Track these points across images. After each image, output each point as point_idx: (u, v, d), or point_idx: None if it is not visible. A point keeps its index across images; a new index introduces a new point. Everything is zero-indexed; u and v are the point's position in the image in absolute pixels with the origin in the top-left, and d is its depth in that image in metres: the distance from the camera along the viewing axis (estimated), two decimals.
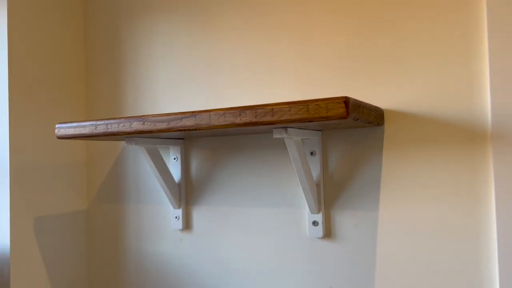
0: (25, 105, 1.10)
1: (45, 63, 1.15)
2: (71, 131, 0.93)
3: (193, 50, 1.09)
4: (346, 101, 0.65)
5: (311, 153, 0.92)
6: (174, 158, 1.10)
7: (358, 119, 0.69)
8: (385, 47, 0.87)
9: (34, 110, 1.12)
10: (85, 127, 0.91)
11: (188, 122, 0.79)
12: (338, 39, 0.91)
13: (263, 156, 0.99)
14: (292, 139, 0.80)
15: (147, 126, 0.84)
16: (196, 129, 0.78)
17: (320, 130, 0.92)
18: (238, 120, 0.74)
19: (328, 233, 0.91)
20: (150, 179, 1.15)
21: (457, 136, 0.81)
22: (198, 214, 1.07)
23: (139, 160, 1.17)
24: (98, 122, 0.89)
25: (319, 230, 0.91)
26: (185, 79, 1.10)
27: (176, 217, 1.09)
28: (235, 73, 1.03)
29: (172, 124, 0.81)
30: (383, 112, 0.86)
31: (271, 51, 0.99)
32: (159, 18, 1.14)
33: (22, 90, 1.10)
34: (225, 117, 0.75)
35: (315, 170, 0.92)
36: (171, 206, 1.11)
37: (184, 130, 0.79)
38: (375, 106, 0.80)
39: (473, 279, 0.79)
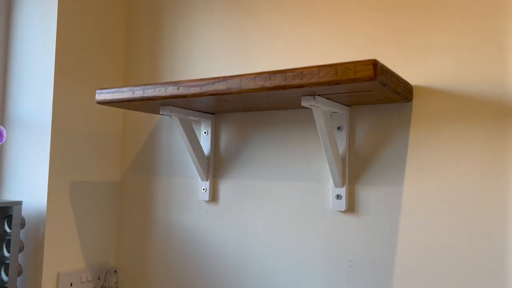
0: (69, 72, 1.17)
1: (90, 33, 1.22)
2: (110, 96, 0.98)
3: (228, 22, 1.12)
4: (374, 63, 0.66)
5: (338, 128, 0.94)
6: (205, 132, 1.13)
7: (385, 84, 0.70)
8: (416, 23, 0.88)
9: (77, 78, 1.19)
10: (123, 92, 0.96)
11: (220, 86, 0.82)
12: (371, 13, 0.93)
13: (290, 131, 1.01)
14: (320, 109, 0.82)
15: (181, 91, 0.87)
16: (227, 93, 0.81)
17: (348, 106, 0.93)
18: (268, 84, 0.76)
19: (351, 207, 0.92)
20: (181, 152, 1.19)
21: (487, 113, 0.80)
22: (225, 187, 1.10)
23: (172, 134, 1.21)
24: (136, 88, 0.94)
25: (342, 203, 0.92)
26: (220, 48, 1.14)
27: (203, 189, 1.12)
28: (269, 42, 1.06)
29: (205, 89, 0.84)
30: (412, 88, 0.86)
31: (305, 21, 1.01)
32: None
33: (67, 59, 1.16)
34: (255, 81, 0.78)
35: (341, 145, 0.93)
36: (199, 179, 1.14)
37: (216, 94, 0.83)
38: (404, 79, 0.81)
39: (498, 258, 0.78)
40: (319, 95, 0.80)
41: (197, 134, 1.15)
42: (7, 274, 1.06)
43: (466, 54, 0.83)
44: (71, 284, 1.15)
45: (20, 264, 1.10)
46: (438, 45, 0.85)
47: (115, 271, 1.17)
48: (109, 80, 1.28)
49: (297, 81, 0.73)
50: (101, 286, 1.23)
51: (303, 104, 0.81)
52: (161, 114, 1.15)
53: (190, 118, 1.08)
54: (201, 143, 1.14)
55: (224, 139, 1.12)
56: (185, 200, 1.16)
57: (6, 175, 1.21)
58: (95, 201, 1.23)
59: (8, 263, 1.06)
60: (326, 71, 0.70)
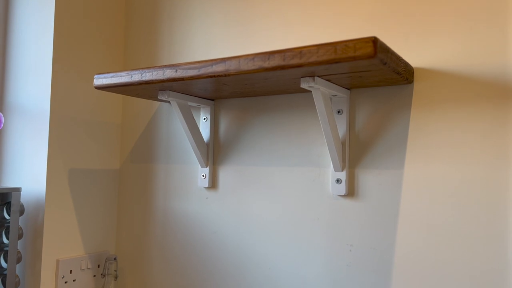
0: (67, 59, 1.16)
1: (88, 19, 1.21)
2: (108, 81, 0.97)
3: (227, 5, 1.11)
4: (374, 40, 0.65)
5: (338, 112, 0.93)
6: (204, 119, 1.13)
7: (385, 63, 0.69)
8: (417, 3, 0.86)
9: (76, 64, 1.18)
10: (121, 76, 0.95)
11: (218, 68, 0.81)
12: None
13: (290, 116, 1.00)
14: (319, 91, 0.81)
15: (179, 74, 0.86)
16: (225, 75, 0.80)
17: (348, 89, 0.92)
18: (266, 64, 0.75)
19: (352, 191, 0.91)
20: (180, 139, 1.18)
21: (489, 95, 0.79)
22: (224, 173, 1.09)
23: (171, 121, 1.20)
24: (133, 72, 0.93)
25: (342, 187, 0.91)
26: (219, 32, 1.13)
27: (203, 176, 1.11)
28: (268, 27, 1.05)
29: (203, 71, 0.83)
30: (413, 69, 0.85)
31: (305, 4, 1.00)
32: None
33: (65, 45, 1.16)
34: (254, 61, 0.77)
35: (342, 129, 0.92)
36: (198, 166, 1.13)
37: (214, 76, 0.82)
38: (405, 60, 0.80)
39: (498, 241, 0.77)
40: (318, 76, 0.79)
41: (196, 120, 1.14)
42: (6, 261, 1.06)
43: (468, 35, 0.81)
44: (70, 271, 1.15)
45: (19, 251, 1.10)
46: (439, 26, 0.84)
47: (114, 259, 1.17)
48: (108, 67, 1.27)
49: (296, 61, 0.72)
50: (101, 274, 1.22)
51: (303, 85, 0.80)
52: (159, 100, 1.15)
53: (189, 104, 1.07)
54: (201, 130, 1.13)
55: (223, 125, 1.11)
56: (184, 187, 1.16)
57: (5, 162, 1.21)
58: (94, 189, 1.23)
59: (7, 250, 1.06)
60: (326, 50, 0.69)
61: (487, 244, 0.78)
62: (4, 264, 1.06)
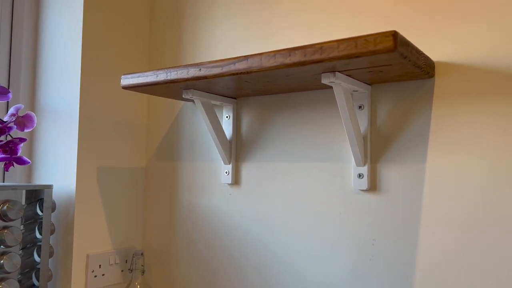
0: (95, 61, 1.20)
1: (115, 20, 1.26)
2: (134, 81, 1.01)
3: (249, 4, 1.14)
4: (394, 34, 0.66)
5: (360, 107, 0.94)
6: (227, 117, 1.15)
7: (406, 56, 0.70)
8: None
9: (103, 66, 1.22)
10: (147, 76, 0.99)
11: (241, 66, 0.83)
12: None
13: (311, 113, 1.02)
14: (340, 86, 0.82)
15: (203, 72, 0.89)
16: (248, 72, 0.83)
17: (369, 84, 0.93)
18: (288, 61, 0.77)
19: (373, 186, 0.92)
20: (203, 137, 1.21)
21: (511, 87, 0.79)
22: (247, 170, 1.11)
23: (194, 120, 1.23)
24: (159, 71, 0.96)
25: (364, 182, 0.92)
26: (240, 31, 1.15)
27: (226, 172, 1.14)
28: (289, 21, 1.07)
29: (226, 69, 0.86)
30: (434, 63, 0.85)
31: (325, 3, 1.01)
32: None
33: (93, 47, 1.20)
34: (275, 58, 0.79)
35: (363, 124, 0.93)
36: (221, 163, 1.16)
37: (237, 73, 0.84)
38: (426, 54, 0.80)
39: None
40: (339, 72, 0.80)
41: (219, 118, 1.16)
42: (39, 255, 1.11)
43: (490, 27, 0.81)
44: (99, 265, 1.19)
45: (51, 246, 1.14)
46: (459, 19, 0.84)
47: (141, 254, 1.20)
48: (133, 68, 1.31)
49: (316, 56, 0.73)
50: (128, 269, 1.26)
51: (323, 81, 0.81)
52: (183, 100, 1.18)
53: (212, 102, 1.09)
54: (223, 128, 1.15)
55: (245, 122, 1.13)
56: (208, 183, 1.18)
57: (37, 160, 1.26)
58: (121, 186, 1.27)
59: (40, 245, 1.11)
60: (346, 45, 0.70)
61: None
62: (37, 258, 1.11)
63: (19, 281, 1.08)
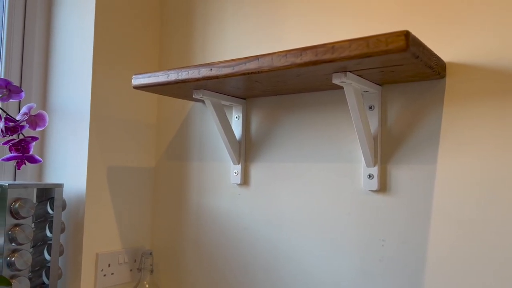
0: (106, 61, 1.22)
1: (126, 20, 1.27)
2: (145, 81, 1.02)
3: (259, 5, 1.14)
4: (406, 34, 0.66)
5: (370, 108, 0.94)
6: (236, 117, 1.16)
7: (418, 56, 0.70)
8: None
9: (114, 66, 1.23)
10: (158, 76, 0.99)
11: (252, 66, 0.84)
12: None
13: (321, 113, 1.02)
14: (351, 86, 0.82)
15: (214, 72, 0.90)
16: (259, 72, 0.83)
17: (380, 85, 0.93)
18: (299, 60, 0.77)
19: (383, 187, 0.92)
20: (213, 138, 1.21)
21: None
22: (256, 170, 1.11)
23: (204, 121, 1.24)
24: (170, 72, 0.97)
25: (374, 183, 0.92)
26: (251, 32, 1.15)
27: (235, 172, 1.14)
28: (299, 22, 1.07)
29: (237, 69, 0.86)
30: (445, 64, 0.85)
31: (336, 5, 1.01)
32: None
33: (104, 47, 1.21)
34: (286, 58, 0.79)
35: (373, 124, 0.93)
36: (230, 163, 1.16)
37: (248, 73, 0.84)
38: (437, 55, 0.80)
39: None
40: (350, 72, 0.80)
41: (228, 119, 1.17)
42: (49, 254, 1.12)
43: (501, 27, 0.81)
44: (109, 265, 1.19)
45: (61, 244, 1.15)
46: (471, 19, 0.84)
47: (150, 254, 1.21)
48: (144, 68, 1.32)
49: (328, 56, 0.74)
50: (137, 268, 1.27)
51: (334, 81, 0.81)
52: (193, 100, 1.18)
53: (222, 103, 1.10)
54: (233, 128, 1.16)
55: (255, 123, 1.13)
56: (217, 183, 1.19)
57: (48, 159, 1.27)
58: (131, 186, 1.27)
59: (51, 243, 1.12)
60: (358, 44, 0.70)
61: None
62: (47, 257, 1.12)
63: (29, 279, 1.09)
